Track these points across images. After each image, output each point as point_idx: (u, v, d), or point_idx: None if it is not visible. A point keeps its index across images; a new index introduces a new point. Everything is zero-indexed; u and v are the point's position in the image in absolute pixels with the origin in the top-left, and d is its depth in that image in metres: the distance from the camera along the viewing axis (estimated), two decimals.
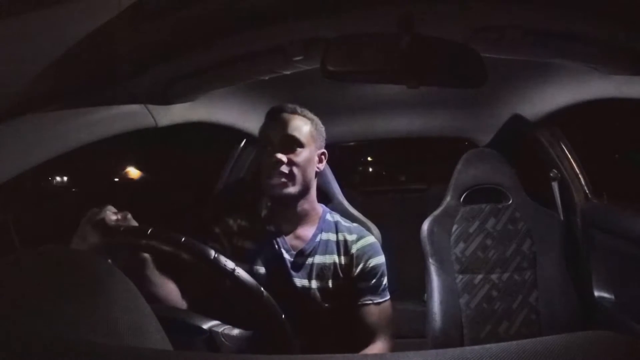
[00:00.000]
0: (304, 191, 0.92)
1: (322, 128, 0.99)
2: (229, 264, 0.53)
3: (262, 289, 0.54)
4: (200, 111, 1.12)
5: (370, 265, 0.92)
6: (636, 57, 0.78)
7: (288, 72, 0.91)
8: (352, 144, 1.93)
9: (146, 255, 0.69)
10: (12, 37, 0.54)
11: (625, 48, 0.76)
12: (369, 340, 0.89)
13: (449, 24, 0.75)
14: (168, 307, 0.64)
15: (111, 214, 0.61)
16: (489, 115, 1.60)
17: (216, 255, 0.53)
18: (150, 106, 0.91)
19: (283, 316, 0.55)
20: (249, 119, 1.37)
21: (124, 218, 0.62)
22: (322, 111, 1.06)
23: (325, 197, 1.18)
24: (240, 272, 0.53)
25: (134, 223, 0.64)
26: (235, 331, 0.58)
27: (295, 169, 0.89)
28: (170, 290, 0.77)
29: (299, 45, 0.79)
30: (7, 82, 0.61)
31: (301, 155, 0.90)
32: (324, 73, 0.73)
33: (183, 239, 0.53)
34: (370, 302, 0.90)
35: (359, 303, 0.90)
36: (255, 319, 0.55)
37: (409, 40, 0.69)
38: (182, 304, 0.79)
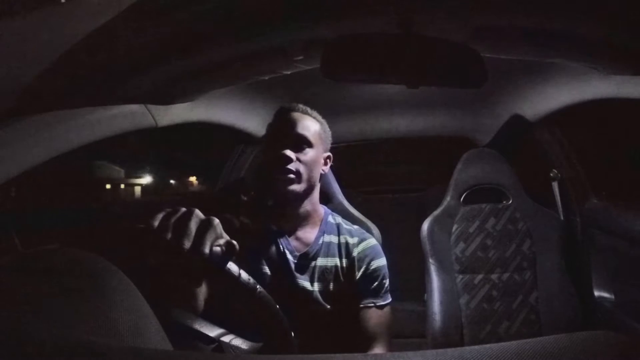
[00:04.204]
0: (308, 191, 0.92)
1: (329, 131, 1.00)
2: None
3: (241, 270, 0.52)
4: (200, 111, 1.12)
5: (372, 268, 0.92)
6: (636, 57, 0.78)
7: (288, 72, 0.91)
8: (352, 144, 1.93)
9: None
10: (12, 37, 0.54)
11: (625, 48, 0.76)
12: (367, 344, 0.88)
13: (449, 24, 0.75)
14: (178, 311, 0.63)
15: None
16: (489, 115, 1.60)
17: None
18: (150, 106, 0.91)
19: (278, 307, 0.54)
20: (249, 119, 1.37)
21: None
22: (322, 111, 1.06)
23: (325, 197, 1.18)
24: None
25: None
26: (245, 345, 0.58)
27: (302, 168, 0.89)
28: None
29: (299, 45, 0.79)
30: (7, 82, 0.61)
31: (309, 155, 0.90)
32: (324, 73, 0.73)
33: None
34: (372, 304, 0.90)
35: (361, 305, 0.90)
36: (257, 321, 0.54)
37: (409, 40, 0.69)
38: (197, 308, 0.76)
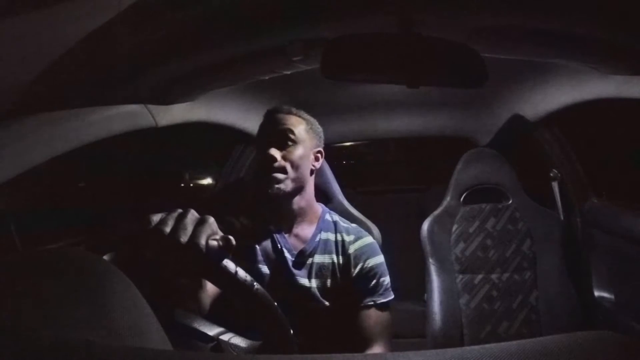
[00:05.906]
0: (298, 187, 0.93)
1: (318, 128, 1.01)
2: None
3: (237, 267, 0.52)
4: (200, 111, 1.13)
5: (369, 266, 0.92)
6: (636, 57, 0.78)
7: (288, 72, 0.91)
8: (352, 143, 1.93)
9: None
10: (12, 37, 0.54)
11: (625, 48, 0.76)
12: (367, 343, 0.88)
13: (449, 24, 0.75)
14: (177, 310, 0.63)
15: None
16: (489, 115, 1.60)
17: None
18: (150, 106, 0.92)
19: (276, 305, 0.54)
20: (248, 119, 1.37)
21: None
22: (322, 111, 1.06)
23: (325, 197, 1.18)
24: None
25: None
26: (244, 343, 0.58)
27: (288, 165, 0.90)
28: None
29: (299, 45, 0.79)
30: (7, 82, 0.61)
31: (294, 152, 0.92)
32: (324, 73, 0.73)
33: None
34: (372, 303, 0.90)
35: (362, 305, 0.90)
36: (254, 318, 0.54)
37: (409, 40, 0.69)
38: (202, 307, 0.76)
